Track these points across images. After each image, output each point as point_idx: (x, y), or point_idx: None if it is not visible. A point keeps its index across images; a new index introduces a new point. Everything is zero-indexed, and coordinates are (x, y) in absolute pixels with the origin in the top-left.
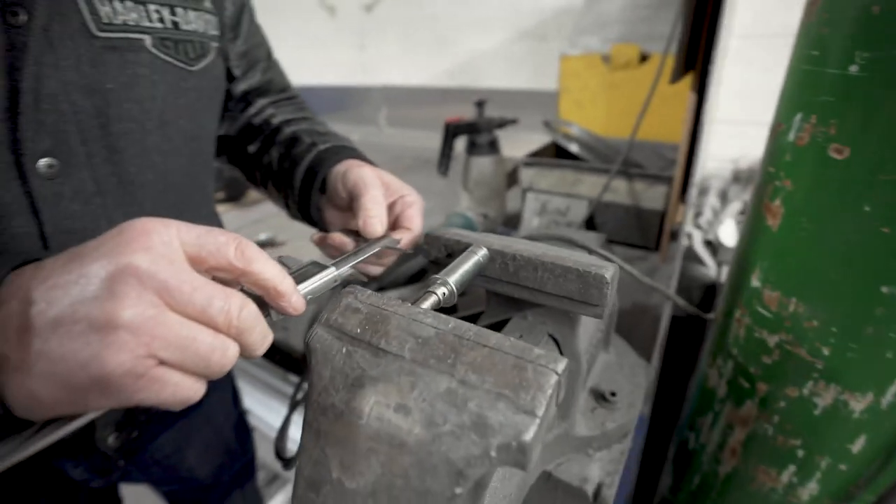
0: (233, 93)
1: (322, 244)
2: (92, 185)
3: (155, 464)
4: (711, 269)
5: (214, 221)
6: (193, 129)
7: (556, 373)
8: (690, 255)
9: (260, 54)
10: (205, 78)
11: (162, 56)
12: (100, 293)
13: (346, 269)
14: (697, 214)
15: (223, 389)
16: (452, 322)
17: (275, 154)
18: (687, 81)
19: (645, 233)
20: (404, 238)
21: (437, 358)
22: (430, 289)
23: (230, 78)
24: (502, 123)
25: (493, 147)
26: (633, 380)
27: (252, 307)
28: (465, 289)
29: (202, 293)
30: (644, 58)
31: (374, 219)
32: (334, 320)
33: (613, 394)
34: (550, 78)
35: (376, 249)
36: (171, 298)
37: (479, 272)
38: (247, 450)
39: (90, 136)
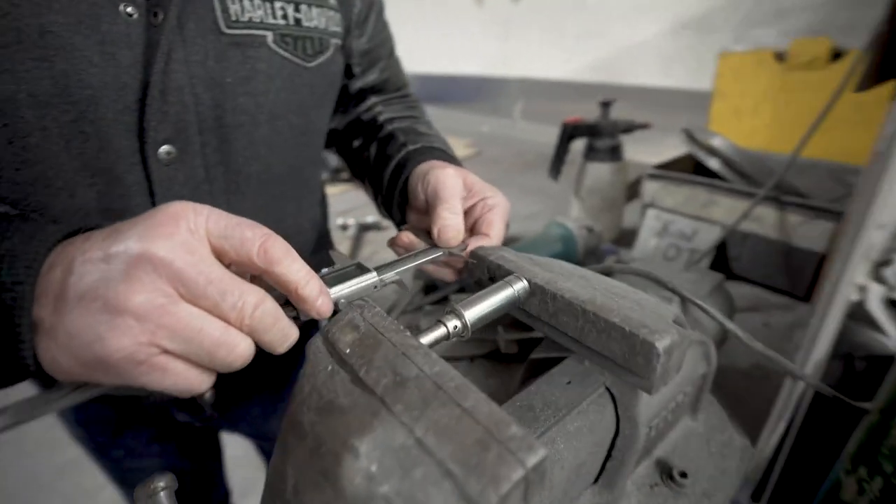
0: (349, 89)
1: (392, 245)
2: (202, 173)
3: (243, 422)
4: (892, 337)
5: (315, 213)
6: (303, 123)
7: (523, 466)
8: (860, 315)
9: (382, 53)
10: (319, 74)
11: (281, 52)
12: (118, 275)
13: (391, 275)
14: (883, 263)
15: None
16: (440, 366)
17: (373, 151)
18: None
19: (794, 277)
20: (473, 245)
21: (406, 405)
22: (442, 319)
23: (349, 75)
24: (629, 128)
25: (614, 153)
26: (720, 462)
27: (269, 306)
28: (485, 324)
29: (216, 287)
30: (837, 55)
31: (449, 228)
32: (333, 334)
33: (684, 475)
34: (708, 77)
35: (434, 256)
36: (184, 289)
37: (515, 305)
38: None
39: (206, 127)
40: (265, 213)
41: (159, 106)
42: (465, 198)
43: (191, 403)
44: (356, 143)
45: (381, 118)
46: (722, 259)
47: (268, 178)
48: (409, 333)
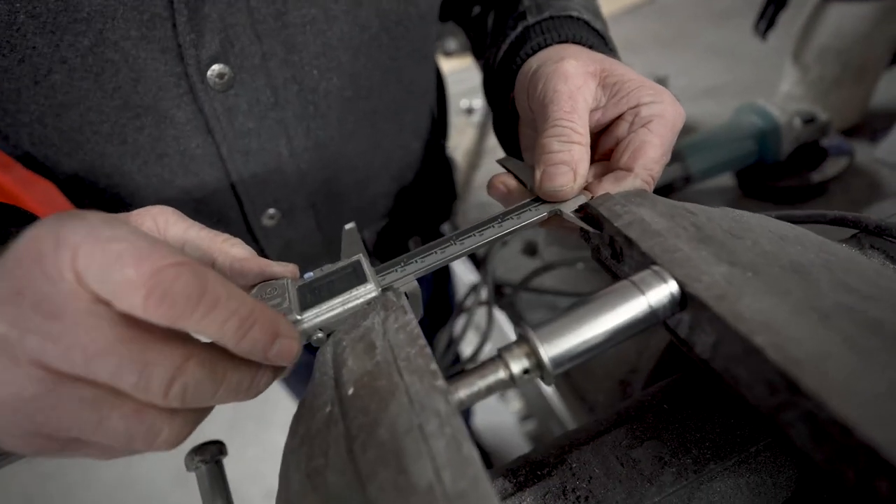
0: None
1: (488, 191)
2: (268, 96)
3: None
4: None
5: (422, 124)
6: (398, 8)
7: None
8: None
9: None
10: None
11: None
12: None
13: (405, 280)
14: None
15: None
16: (470, 477)
17: (489, 22)
18: None
19: None
20: (601, 190)
21: None
22: (505, 354)
23: None
24: None
25: None
26: None
27: (192, 376)
28: (588, 359)
29: (103, 363)
30: None
31: (555, 171)
32: (343, 348)
33: None
34: None
35: (532, 220)
36: (61, 366)
37: (649, 324)
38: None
39: (264, 31)
40: (356, 139)
41: (195, 7)
42: (603, 107)
43: None
44: (476, 10)
45: None
46: None
47: (354, 95)
48: (438, 379)
